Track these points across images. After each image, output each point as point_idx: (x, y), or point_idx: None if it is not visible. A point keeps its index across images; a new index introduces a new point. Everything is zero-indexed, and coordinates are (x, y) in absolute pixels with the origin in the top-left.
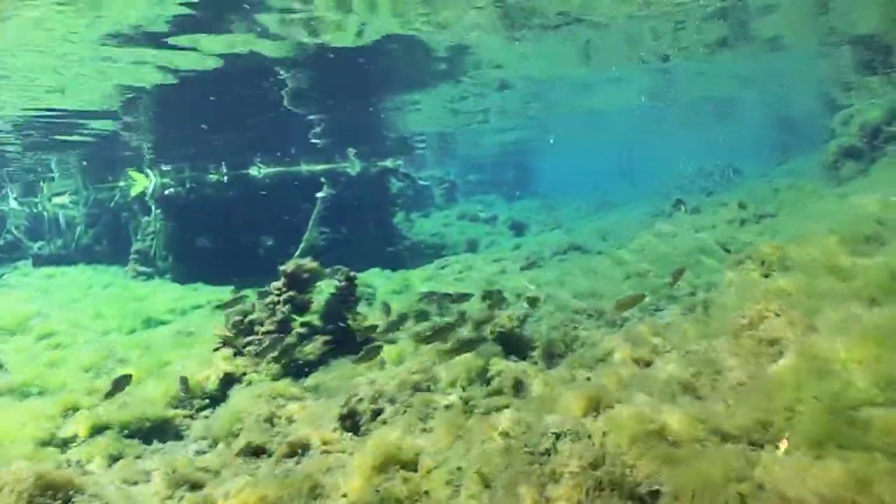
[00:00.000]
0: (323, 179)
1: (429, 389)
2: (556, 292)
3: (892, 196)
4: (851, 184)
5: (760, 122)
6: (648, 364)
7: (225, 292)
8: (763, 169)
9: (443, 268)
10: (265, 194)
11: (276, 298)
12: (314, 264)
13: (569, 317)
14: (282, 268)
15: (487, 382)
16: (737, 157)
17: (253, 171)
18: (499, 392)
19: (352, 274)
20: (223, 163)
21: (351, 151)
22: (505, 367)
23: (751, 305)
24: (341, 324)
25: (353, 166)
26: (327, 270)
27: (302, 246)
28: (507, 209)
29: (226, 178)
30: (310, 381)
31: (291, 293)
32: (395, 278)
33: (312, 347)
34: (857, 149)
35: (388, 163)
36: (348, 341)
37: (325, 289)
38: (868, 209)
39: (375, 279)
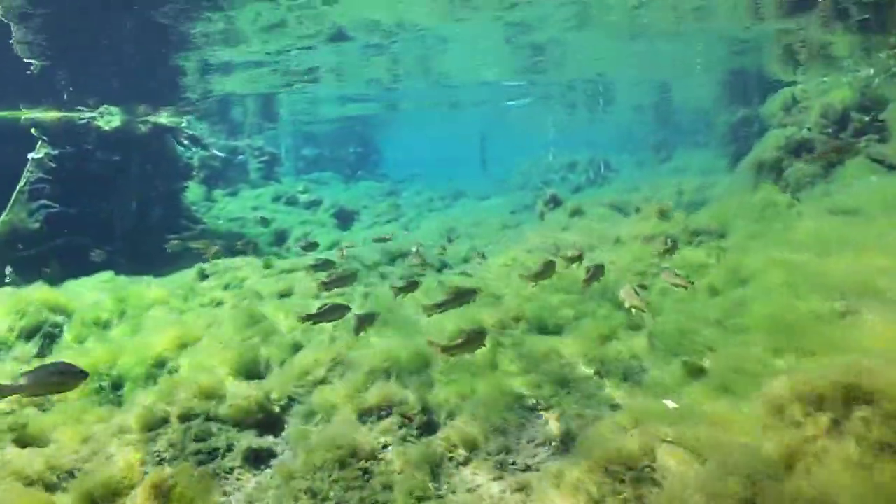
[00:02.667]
0: (35, 131)
1: None
2: (350, 358)
3: None
4: (817, 193)
5: (634, 113)
6: None
7: None
8: (638, 164)
9: (206, 276)
10: None
11: None
12: None
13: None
14: None
15: None
16: (602, 151)
17: None
18: None
19: None
20: None
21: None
22: None
23: None
24: None
25: (105, 118)
26: None
27: None
28: (341, 191)
29: None
30: None
31: None
32: (122, 295)
33: None
34: (810, 143)
35: (164, 118)
36: None
37: None
38: None
39: (88, 294)
